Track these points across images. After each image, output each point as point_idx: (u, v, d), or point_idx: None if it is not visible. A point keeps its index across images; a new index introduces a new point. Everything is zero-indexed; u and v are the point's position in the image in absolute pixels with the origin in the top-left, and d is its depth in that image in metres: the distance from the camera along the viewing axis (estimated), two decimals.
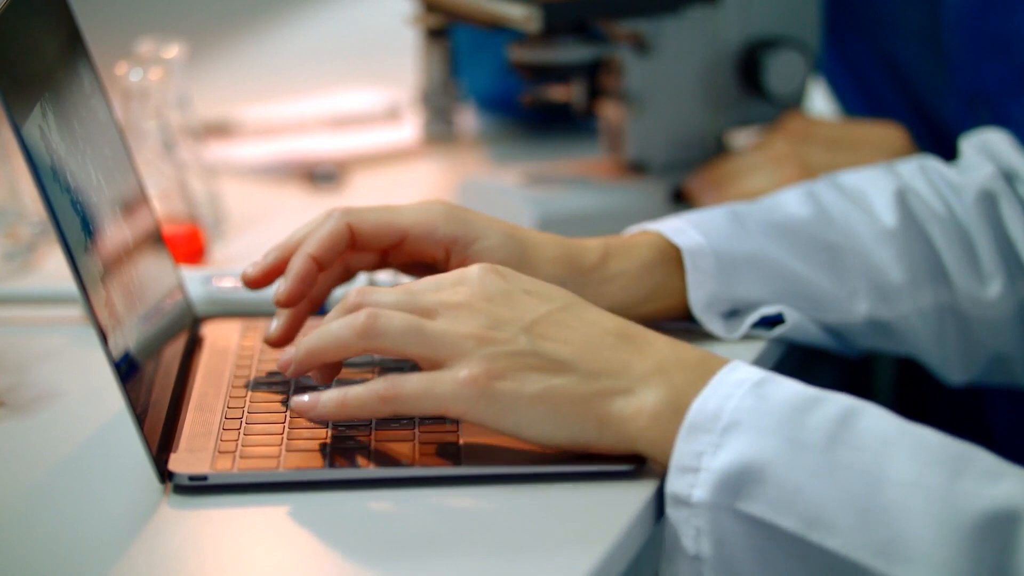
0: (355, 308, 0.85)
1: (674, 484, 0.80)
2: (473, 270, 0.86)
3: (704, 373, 0.82)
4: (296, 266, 0.93)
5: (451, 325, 0.83)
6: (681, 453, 0.79)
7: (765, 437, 0.78)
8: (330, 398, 0.84)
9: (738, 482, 0.78)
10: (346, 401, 0.84)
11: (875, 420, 0.79)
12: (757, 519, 0.78)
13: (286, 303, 0.93)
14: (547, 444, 0.83)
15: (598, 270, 0.98)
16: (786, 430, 0.78)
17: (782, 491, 0.77)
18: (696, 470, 0.79)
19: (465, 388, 0.82)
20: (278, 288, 0.93)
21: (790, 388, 0.80)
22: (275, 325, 0.95)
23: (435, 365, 0.83)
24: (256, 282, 0.95)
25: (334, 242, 0.93)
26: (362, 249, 0.95)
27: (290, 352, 0.87)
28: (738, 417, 0.79)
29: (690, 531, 0.79)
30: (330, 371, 0.88)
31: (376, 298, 0.85)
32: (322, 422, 0.87)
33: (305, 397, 0.85)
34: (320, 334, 0.85)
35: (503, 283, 0.86)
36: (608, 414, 0.82)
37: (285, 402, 0.91)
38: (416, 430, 0.87)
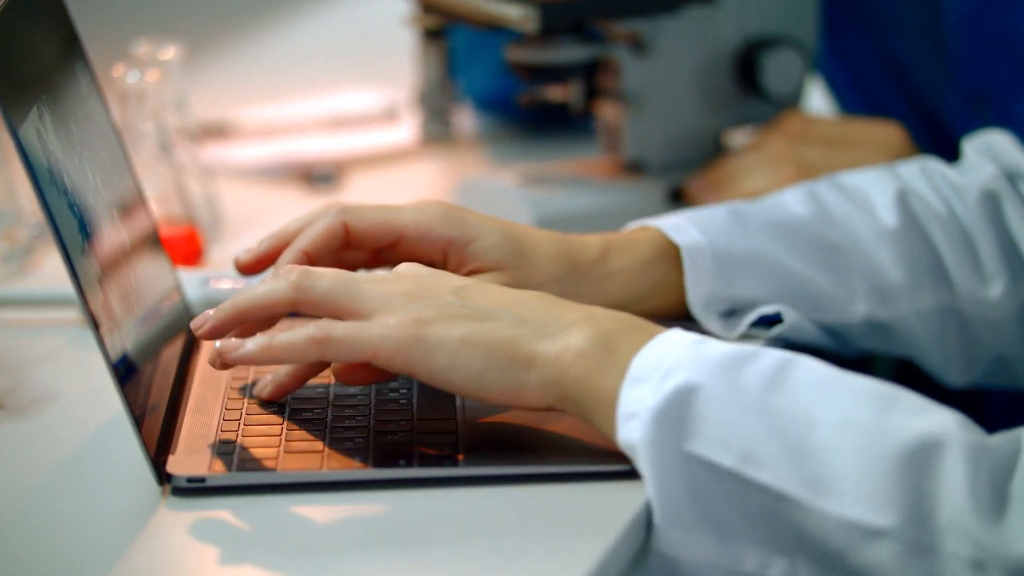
0: (288, 272, 0.86)
1: (621, 434, 0.80)
2: (403, 264, 0.88)
3: (634, 325, 0.84)
4: (287, 260, 0.94)
5: (381, 285, 0.85)
6: (623, 402, 0.80)
7: (702, 376, 0.79)
8: (256, 341, 0.85)
9: (676, 416, 0.79)
10: (272, 344, 0.84)
11: (809, 369, 0.80)
12: (696, 457, 0.79)
13: None
14: (475, 391, 0.83)
15: (598, 266, 0.98)
16: (723, 375, 0.80)
17: (718, 428, 0.78)
18: (636, 414, 0.80)
19: (395, 331, 0.82)
20: (264, 279, 0.93)
21: (728, 345, 0.82)
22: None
23: (363, 319, 0.84)
24: (248, 268, 0.96)
25: (328, 239, 0.94)
26: (357, 247, 0.96)
27: (240, 342, 0.86)
28: (677, 365, 0.80)
29: (643, 476, 0.80)
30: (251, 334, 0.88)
31: (311, 270, 0.86)
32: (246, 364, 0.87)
33: (230, 342, 0.85)
34: (248, 291, 0.86)
35: (431, 270, 0.88)
36: (535, 353, 0.82)
37: (283, 404, 0.91)
38: (414, 431, 0.87)
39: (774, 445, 0.78)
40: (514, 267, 0.95)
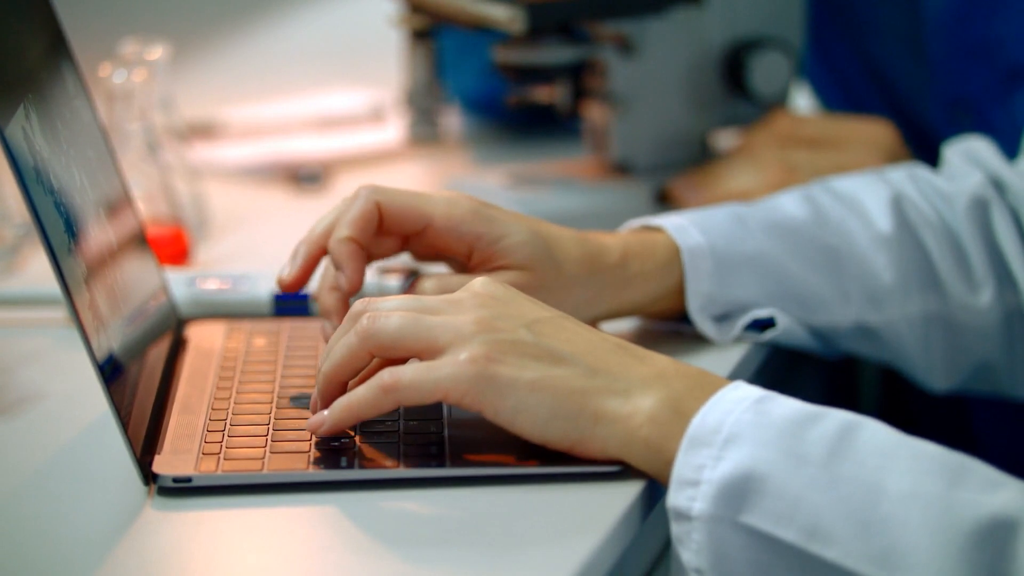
0: (358, 315, 0.85)
1: (675, 498, 0.79)
2: (478, 279, 0.87)
3: (702, 384, 0.82)
4: (341, 252, 0.93)
5: (452, 316, 0.84)
6: (681, 466, 0.79)
7: (765, 449, 0.78)
8: (336, 406, 0.84)
9: (738, 493, 0.78)
10: (350, 405, 0.84)
11: (874, 434, 0.79)
12: (757, 531, 0.77)
13: (348, 291, 0.93)
14: (537, 436, 0.82)
15: (618, 271, 0.98)
16: (786, 443, 0.78)
17: (782, 503, 0.77)
18: (696, 483, 0.79)
19: (464, 369, 0.81)
20: (339, 278, 0.93)
21: (790, 405, 0.80)
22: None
23: (436, 356, 0.83)
24: (293, 285, 0.95)
25: (367, 221, 0.93)
26: (386, 233, 0.95)
27: (321, 414, 0.85)
28: (738, 430, 0.79)
29: (691, 545, 0.79)
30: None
31: (378, 304, 0.85)
32: (340, 432, 0.86)
33: (315, 417, 0.85)
34: (330, 357, 0.85)
35: (507, 290, 0.86)
36: (604, 410, 0.82)
37: (269, 404, 0.91)
38: (401, 432, 0.87)
39: (840, 518, 0.76)
40: (540, 268, 0.94)
